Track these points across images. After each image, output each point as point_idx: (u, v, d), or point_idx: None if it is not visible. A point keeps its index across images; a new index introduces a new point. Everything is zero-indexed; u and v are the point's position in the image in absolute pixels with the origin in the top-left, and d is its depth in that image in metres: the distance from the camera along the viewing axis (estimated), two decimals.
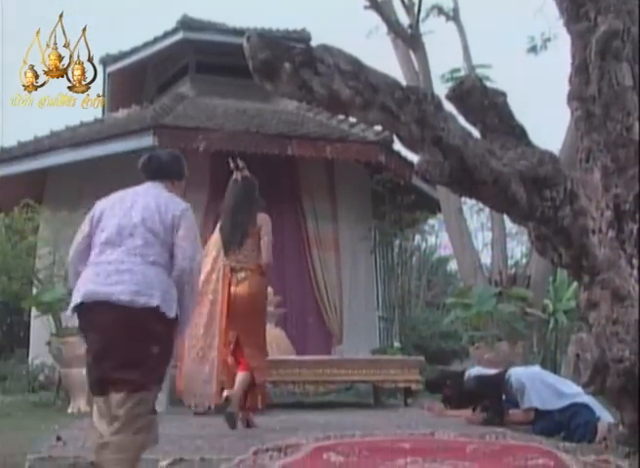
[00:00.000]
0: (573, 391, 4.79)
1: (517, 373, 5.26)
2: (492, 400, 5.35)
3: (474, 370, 5.82)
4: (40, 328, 8.12)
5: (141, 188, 3.34)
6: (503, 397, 5.32)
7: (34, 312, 8.22)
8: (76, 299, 3.00)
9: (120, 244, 3.04)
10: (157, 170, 3.39)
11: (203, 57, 12.34)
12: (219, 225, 5.74)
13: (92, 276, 3.00)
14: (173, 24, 11.91)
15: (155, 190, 3.30)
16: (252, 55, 3.25)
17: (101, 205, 3.26)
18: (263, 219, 5.58)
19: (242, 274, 5.48)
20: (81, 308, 3.00)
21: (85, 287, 2.99)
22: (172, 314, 2.99)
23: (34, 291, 8.19)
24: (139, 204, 3.19)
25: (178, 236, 3.08)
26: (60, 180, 10.00)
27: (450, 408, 6.02)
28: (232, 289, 5.47)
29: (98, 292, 2.95)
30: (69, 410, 6.53)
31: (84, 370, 5.33)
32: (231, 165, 5.87)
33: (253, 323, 5.48)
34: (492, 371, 5.63)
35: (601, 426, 4.41)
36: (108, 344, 2.93)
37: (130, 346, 2.91)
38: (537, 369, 5.61)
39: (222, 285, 5.55)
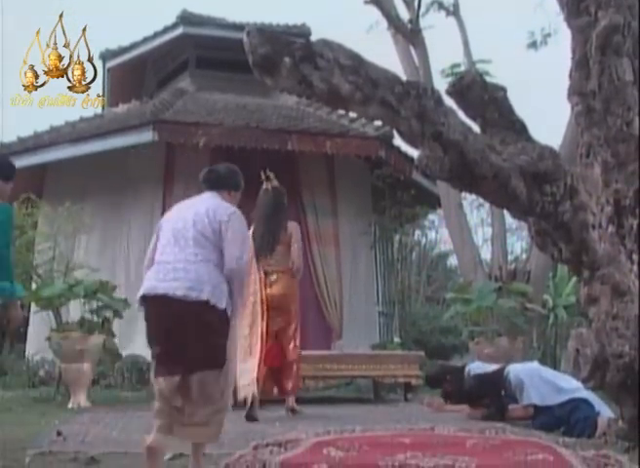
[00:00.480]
0: (572, 386, 4.79)
1: (515, 370, 5.26)
2: (492, 398, 5.36)
3: (474, 366, 5.82)
4: (40, 323, 8.13)
5: (199, 197, 3.71)
6: (503, 392, 5.32)
7: (34, 307, 8.22)
8: (140, 293, 3.48)
9: (176, 246, 3.48)
10: (215, 181, 3.76)
11: (203, 52, 12.32)
12: (250, 232, 5.85)
13: (154, 274, 3.47)
14: (172, 19, 11.89)
15: (209, 198, 3.66)
16: (252, 49, 3.25)
17: (166, 215, 3.75)
18: (293, 227, 6.15)
19: (274, 277, 5.97)
20: (144, 301, 3.47)
21: (148, 283, 3.47)
22: (222, 305, 3.39)
23: (34, 286, 8.19)
24: (192, 210, 3.58)
25: (226, 238, 3.47)
26: (60, 175, 10.00)
27: (450, 403, 6.03)
28: (267, 290, 5.90)
29: (157, 288, 3.40)
30: (69, 406, 6.54)
31: (84, 366, 5.39)
32: (262, 176, 6.29)
33: (288, 320, 6.00)
34: (491, 368, 5.63)
35: (601, 421, 4.41)
36: (166, 332, 3.39)
37: (184, 334, 3.35)
38: (535, 365, 5.62)
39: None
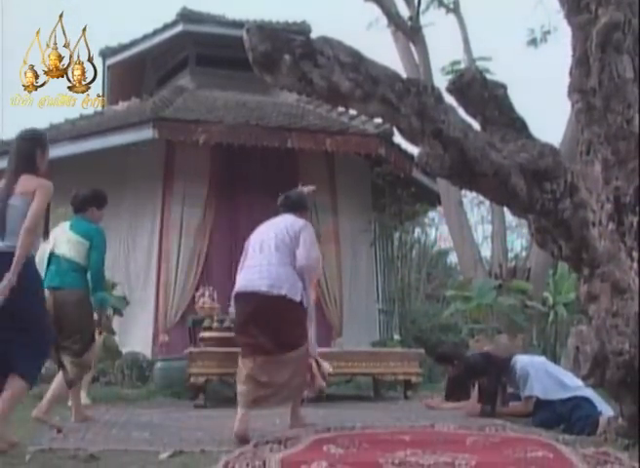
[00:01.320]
0: (575, 384, 4.79)
1: (523, 361, 5.28)
2: (490, 379, 5.37)
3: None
4: None
5: (280, 217, 4.70)
6: (504, 380, 5.34)
7: None
8: (234, 291, 4.48)
9: (261, 253, 4.46)
10: (290, 206, 4.81)
11: (203, 49, 12.31)
12: None
13: (244, 275, 4.47)
14: (172, 17, 11.89)
15: (286, 218, 4.66)
16: (252, 47, 3.25)
17: (254, 232, 4.70)
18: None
19: None
20: (237, 297, 4.46)
21: (240, 283, 4.45)
22: (298, 298, 4.33)
23: None
24: (273, 227, 4.58)
25: (299, 244, 4.45)
26: (60, 173, 9.96)
27: (450, 388, 6.10)
28: None
29: (247, 286, 4.37)
30: (69, 403, 6.54)
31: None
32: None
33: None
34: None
35: (602, 420, 4.41)
36: (255, 321, 4.28)
37: (269, 322, 4.25)
38: (542, 359, 5.63)
39: None
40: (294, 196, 4.97)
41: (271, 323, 4.27)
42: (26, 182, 4.10)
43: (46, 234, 4.45)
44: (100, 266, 5.03)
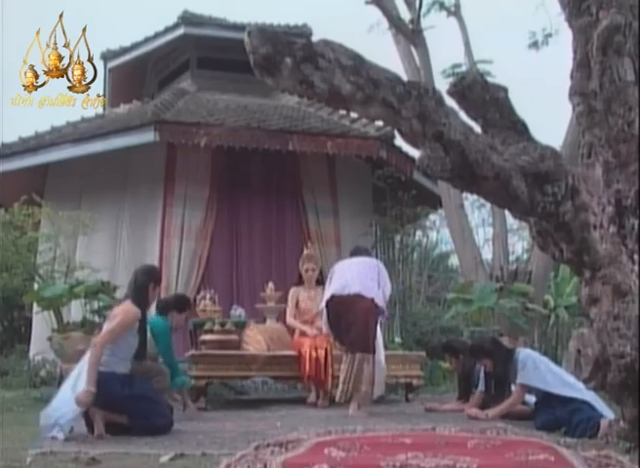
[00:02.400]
0: (578, 386, 4.78)
1: (525, 352, 5.33)
2: (497, 363, 5.38)
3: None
4: (41, 323, 8.13)
5: (356, 258, 6.20)
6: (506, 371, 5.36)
7: (35, 308, 8.22)
8: (325, 298, 5.98)
9: (348, 272, 5.96)
10: (362, 252, 6.40)
11: (204, 52, 12.33)
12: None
13: (334, 288, 5.92)
14: (174, 20, 11.91)
15: (364, 259, 6.18)
16: (253, 50, 3.25)
17: (334, 268, 6.25)
18: None
19: None
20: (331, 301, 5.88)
21: (329, 293, 5.90)
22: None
23: (35, 286, 8.19)
24: (355, 261, 6.15)
25: (380, 275, 5.96)
26: (62, 176, 10.00)
27: (461, 387, 6.24)
28: None
29: (340, 292, 5.84)
30: None
31: None
32: None
33: None
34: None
35: (603, 423, 4.40)
36: (348, 321, 5.73)
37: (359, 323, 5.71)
38: (545, 358, 5.64)
39: None
40: (362, 246, 7.02)
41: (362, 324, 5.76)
42: (120, 307, 4.75)
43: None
44: (168, 355, 5.59)
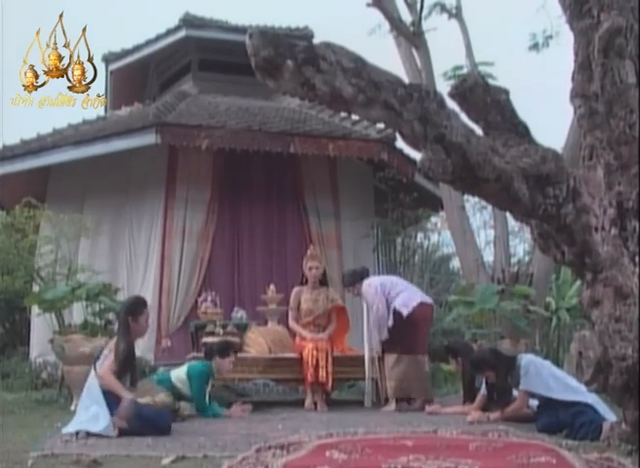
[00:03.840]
0: (580, 390, 4.78)
1: (527, 357, 5.31)
2: (499, 375, 5.37)
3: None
4: (42, 325, 8.12)
5: (385, 276, 6.62)
6: (509, 379, 5.34)
7: (36, 310, 8.21)
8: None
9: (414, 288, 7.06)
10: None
11: (205, 54, 12.35)
12: None
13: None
14: (175, 22, 11.92)
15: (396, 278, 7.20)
16: (254, 52, 3.25)
17: (383, 283, 6.99)
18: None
19: None
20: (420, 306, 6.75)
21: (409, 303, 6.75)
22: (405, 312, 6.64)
23: (36, 289, 8.18)
24: (397, 279, 7.13)
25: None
26: (63, 178, 10.01)
27: (466, 389, 6.19)
28: None
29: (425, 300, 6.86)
30: (72, 408, 6.53)
31: (87, 368, 5.46)
32: None
33: None
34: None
35: (605, 426, 4.39)
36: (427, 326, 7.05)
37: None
38: (548, 362, 5.63)
39: None
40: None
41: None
42: (110, 343, 5.07)
43: None
44: (198, 398, 5.85)
